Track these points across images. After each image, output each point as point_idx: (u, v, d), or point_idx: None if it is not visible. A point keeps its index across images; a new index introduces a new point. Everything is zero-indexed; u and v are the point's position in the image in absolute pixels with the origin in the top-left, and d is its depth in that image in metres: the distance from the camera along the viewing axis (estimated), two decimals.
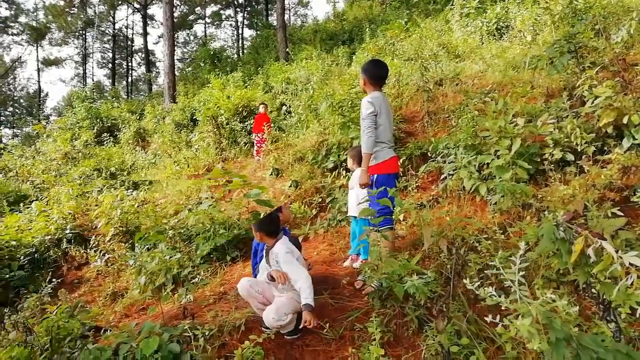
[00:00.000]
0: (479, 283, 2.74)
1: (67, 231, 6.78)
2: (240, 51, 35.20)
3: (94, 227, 6.88)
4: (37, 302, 4.23)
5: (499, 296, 1.80)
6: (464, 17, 11.45)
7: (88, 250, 6.30)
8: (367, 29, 14.39)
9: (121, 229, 6.30)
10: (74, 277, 5.97)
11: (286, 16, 28.94)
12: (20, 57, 41.90)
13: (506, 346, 2.23)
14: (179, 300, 3.66)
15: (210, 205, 5.45)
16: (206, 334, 2.85)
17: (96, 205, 7.39)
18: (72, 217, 7.32)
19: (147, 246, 5.30)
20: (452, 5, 12.15)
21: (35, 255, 6.33)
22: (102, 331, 3.58)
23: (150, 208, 6.47)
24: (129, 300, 4.60)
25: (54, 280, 4.58)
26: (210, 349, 2.77)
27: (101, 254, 6.00)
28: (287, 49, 17.12)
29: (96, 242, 6.38)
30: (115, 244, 6.15)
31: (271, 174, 7.53)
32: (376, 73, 3.50)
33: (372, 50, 12.30)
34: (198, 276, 4.30)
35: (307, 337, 2.94)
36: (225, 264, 4.73)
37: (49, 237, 6.61)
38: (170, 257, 3.87)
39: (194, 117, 12.95)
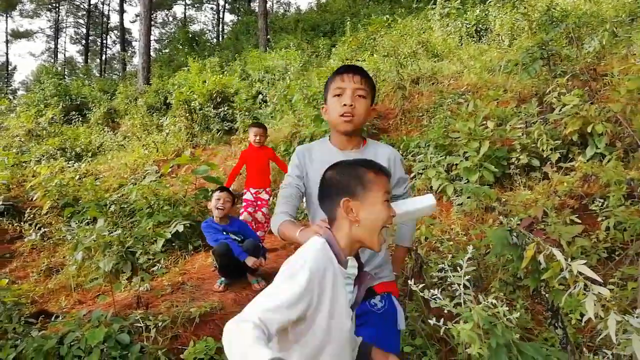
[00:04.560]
0: (429, 284, 2.75)
1: (0, 203, 6.45)
2: (220, 36, 34.56)
3: (29, 199, 6.59)
4: None
5: (447, 298, 1.80)
6: (444, 17, 11.50)
7: (22, 223, 6.00)
8: (349, 22, 14.32)
9: (59, 201, 6.04)
10: (5, 251, 5.70)
11: (268, 3, 28.55)
12: None
13: (458, 348, 2.24)
14: (135, 288, 3.55)
15: (154, 180, 5.29)
16: (159, 325, 2.77)
17: (33, 176, 7.08)
18: (6, 187, 7.02)
19: (86, 220, 5.14)
20: (434, 4, 12.19)
21: None
22: (53, 317, 3.45)
23: (90, 181, 6.22)
24: (63, 277, 4.43)
25: None
26: (161, 340, 2.69)
27: (36, 227, 5.72)
28: (268, 37, 16.88)
29: (32, 215, 6.09)
30: (52, 217, 5.92)
31: None
32: None
33: (352, 44, 12.25)
34: (158, 264, 4.20)
35: None
36: (187, 253, 4.62)
37: None
38: (110, 233, 3.74)
39: (167, 101, 12.64)
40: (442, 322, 1.61)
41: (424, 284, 1.74)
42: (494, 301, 1.18)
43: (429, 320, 1.56)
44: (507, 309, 1.18)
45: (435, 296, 1.46)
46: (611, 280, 2.37)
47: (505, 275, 2.84)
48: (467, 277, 1.23)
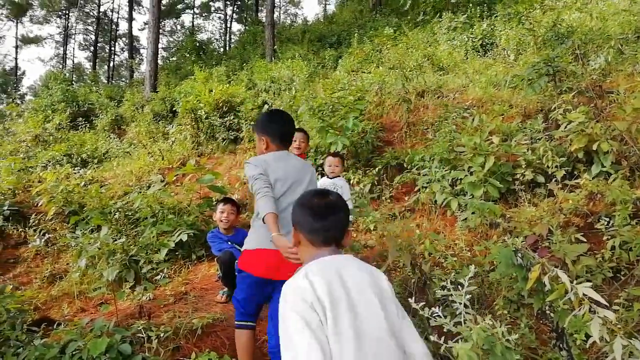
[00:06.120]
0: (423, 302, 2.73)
1: (5, 208, 6.48)
2: (227, 45, 34.85)
3: (35, 204, 6.63)
4: None
5: (450, 316, 1.79)
6: (451, 31, 11.57)
7: (27, 228, 6.04)
8: (356, 34, 14.41)
9: (64, 208, 6.07)
10: (9, 256, 5.72)
11: (276, 14, 28.82)
12: None
13: None
14: (138, 297, 3.55)
15: (160, 189, 5.31)
16: (161, 335, 2.76)
17: (39, 182, 7.13)
18: (12, 193, 7.07)
19: (90, 228, 5.18)
20: (441, 18, 12.27)
21: None
22: (55, 325, 3.45)
23: (95, 188, 6.24)
24: (66, 284, 4.45)
25: None
26: (163, 351, 2.69)
27: (41, 233, 5.76)
28: (275, 47, 17.00)
29: (36, 221, 6.12)
30: (57, 224, 5.96)
31: None
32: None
33: (358, 56, 12.32)
34: (161, 274, 4.20)
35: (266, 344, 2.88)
36: (191, 262, 4.62)
37: None
38: (114, 241, 3.75)
39: (174, 109, 12.72)
40: (444, 340, 1.60)
41: (426, 301, 1.75)
42: (493, 322, 1.18)
43: (430, 337, 1.56)
44: (506, 329, 1.18)
45: (435, 314, 1.46)
46: (616, 301, 2.35)
47: (509, 293, 2.82)
48: (468, 297, 1.23)
